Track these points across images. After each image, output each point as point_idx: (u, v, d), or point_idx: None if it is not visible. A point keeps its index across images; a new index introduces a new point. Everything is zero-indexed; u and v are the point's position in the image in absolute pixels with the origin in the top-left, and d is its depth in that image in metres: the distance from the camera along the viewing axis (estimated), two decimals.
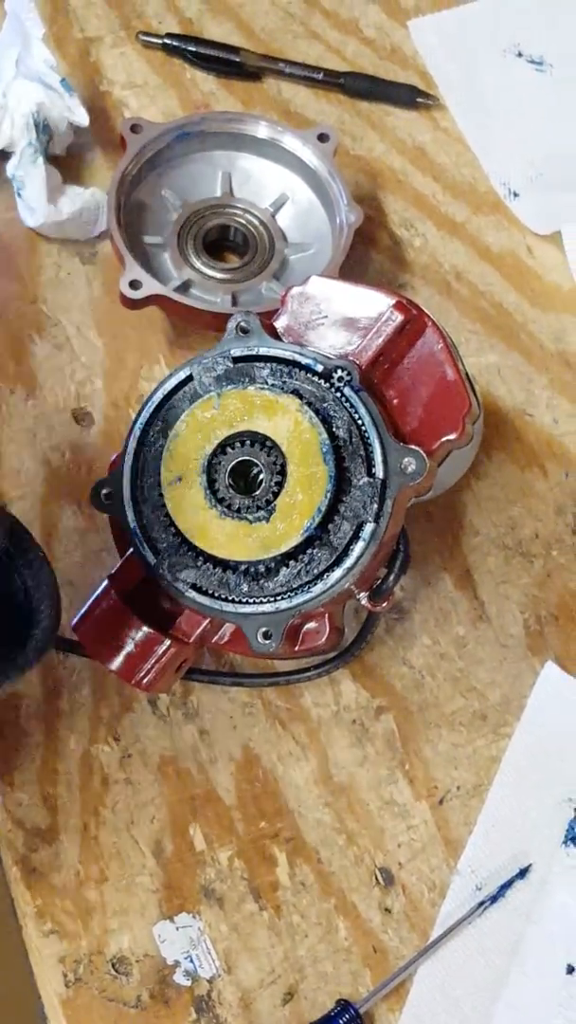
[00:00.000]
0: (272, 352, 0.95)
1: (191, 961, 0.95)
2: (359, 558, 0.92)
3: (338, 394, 0.93)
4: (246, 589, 0.92)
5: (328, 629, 0.94)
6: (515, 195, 1.27)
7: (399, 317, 0.95)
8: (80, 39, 1.33)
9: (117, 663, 0.94)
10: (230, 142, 1.23)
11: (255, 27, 1.36)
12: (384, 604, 0.96)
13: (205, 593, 0.93)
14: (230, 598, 0.93)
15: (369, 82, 1.33)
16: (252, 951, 0.96)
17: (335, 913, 0.97)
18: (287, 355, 0.95)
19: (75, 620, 0.96)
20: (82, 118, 1.22)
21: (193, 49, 1.32)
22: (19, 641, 0.87)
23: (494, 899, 0.98)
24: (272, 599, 0.92)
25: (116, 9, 1.35)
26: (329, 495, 0.91)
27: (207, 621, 0.94)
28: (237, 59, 1.32)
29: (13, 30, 1.23)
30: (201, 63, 1.32)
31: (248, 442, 0.94)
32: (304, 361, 0.94)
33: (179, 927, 0.96)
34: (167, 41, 1.32)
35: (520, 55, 1.36)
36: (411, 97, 1.32)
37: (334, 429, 0.93)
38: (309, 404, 0.93)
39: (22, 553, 0.90)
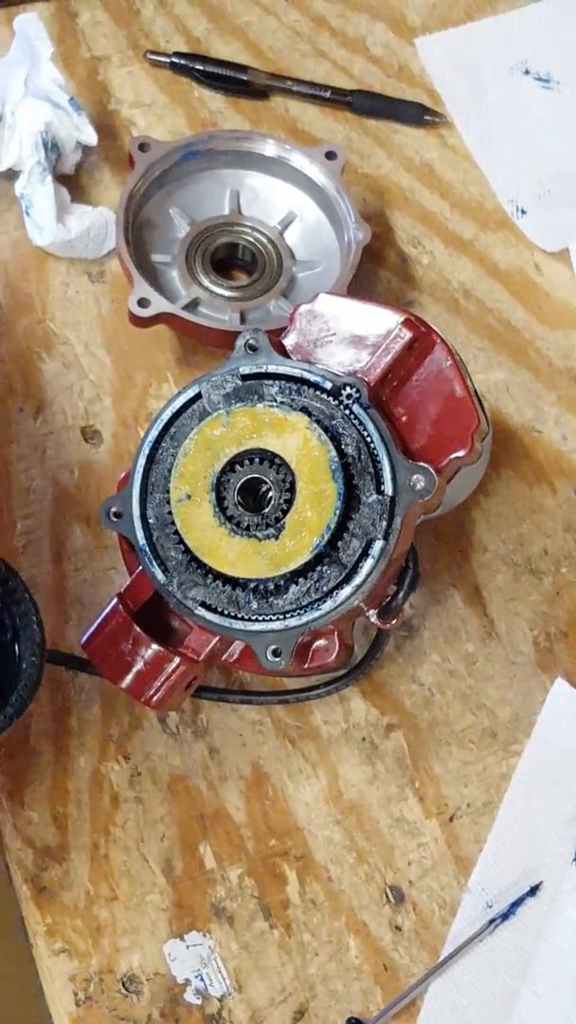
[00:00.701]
0: (281, 370, 0.95)
1: (201, 980, 0.95)
2: (368, 575, 0.92)
3: (347, 411, 0.93)
4: (255, 607, 0.92)
5: (338, 646, 0.94)
6: (523, 212, 1.27)
7: (408, 334, 0.95)
8: (88, 58, 1.33)
9: (127, 681, 0.94)
10: (238, 160, 1.24)
11: (262, 46, 1.36)
12: (393, 621, 0.95)
13: (214, 611, 0.93)
14: (239, 616, 0.93)
15: (376, 100, 1.33)
16: (262, 970, 0.96)
17: (345, 931, 0.97)
18: (296, 373, 0.95)
19: (84, 638, 0.96)
20: (90, 137, 1.22)
21: (201, 68, 1.32)
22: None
23: (505, 917, 0.98)
24: (281, 616, 0.92)
25: (124, 28, 1.36)
26: (338, 512, 0.91)
27: (216, 639, 0.94)
28: (245, 77, 1.32)
29: (22, 49, 1.23)
30: (209, 82, 1.33)
31: (257, 460, 0.94)
32: (313, 378, 0.94)
33: (189, 945, 0.96)
34: (175, 60, 1.33)
35: (527, 72, 1.36)
36: (418, 115, 1.32)
37: (343, 446, 0.92)
38: (318, 421, 0.93)
39: (13, 602, 0.90)
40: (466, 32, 1.39)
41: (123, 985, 0.95)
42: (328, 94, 1.32)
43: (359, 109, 1.33)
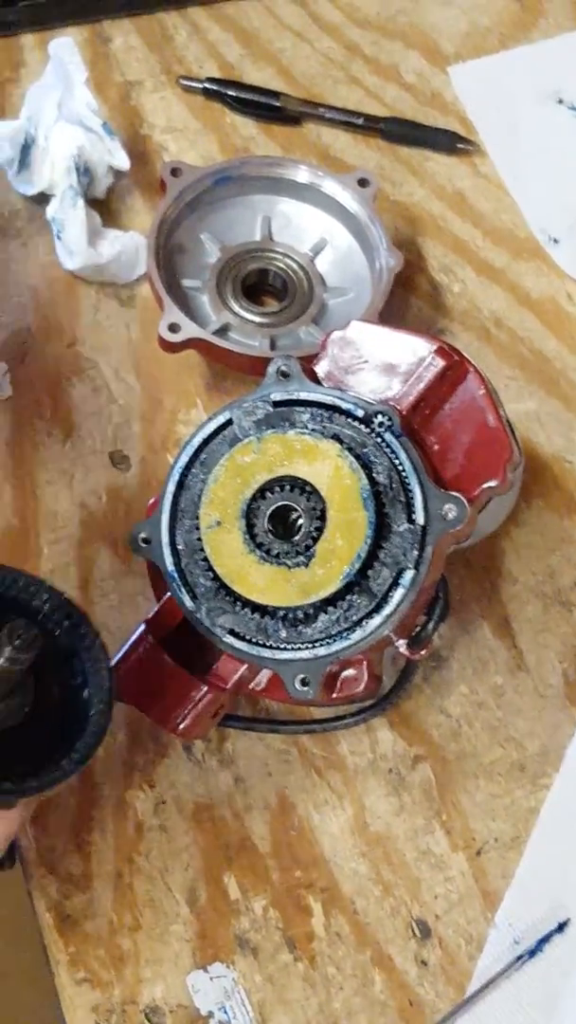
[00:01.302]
0: (313, 397, 0.95)
1: (225, 1012, 0.94)
2: (399, 605, 0.91)
3: (379, 439, 0.93)
4: (284, 635, 0.92)
5: (366, 676, 0.94)
6: (555, 241, 1.27)
7: (440, 362, 0.95)
8: (121, 83, 1.34)
9: (153, 709, 0.94)
10: (270, 186, 1.23)
11: (295, 72, 1.36)
12: (422, 652, 0.95)
13: (243, 639, 0.92)
14: (268, 644, 0.92)
15: (409, 127, 1.33)
16: (287, 1003, 0.95)
17: (371, 965, 0.96)
18: (328, 400, 0.94)
19: (111, 665, 0.95)
20: (123, 161, 1.22)
21: (233, 94, 1.32)
22: (66, 739, 0.85)
23: (532, 953, 0.97)
24: (310, 645, 0.91)
25: (157, 54, 1.36)
26: (369, 541, 0.90)
27: (244, 667, 0.94)
28: (277, 104, 1.32)
29: (56, 74, 1.23)
30: (241, 108, 1.32)
31: (288, 487, 0.93)
32: (345, 406, 0.94)
33: (213, 977, 0.95)
34: (207, 85, 1.33)
35: (560, 101, 1.36)
36: (451, 143, 1.32)
37: (374, 474, 0.92)
38: (349, 449, 0.92)
39: (84, 648, 0.89)
40: (499, 61, 1.39)
41: (146, 1016, 0.94)
42: (361, 121, 1.32)
43: (391, 136, 1.32)
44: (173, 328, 1.12)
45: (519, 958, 0.96)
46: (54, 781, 0.82)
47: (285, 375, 0.96)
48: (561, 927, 0.97)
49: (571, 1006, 0.95)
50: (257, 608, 0.92)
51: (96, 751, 0.84)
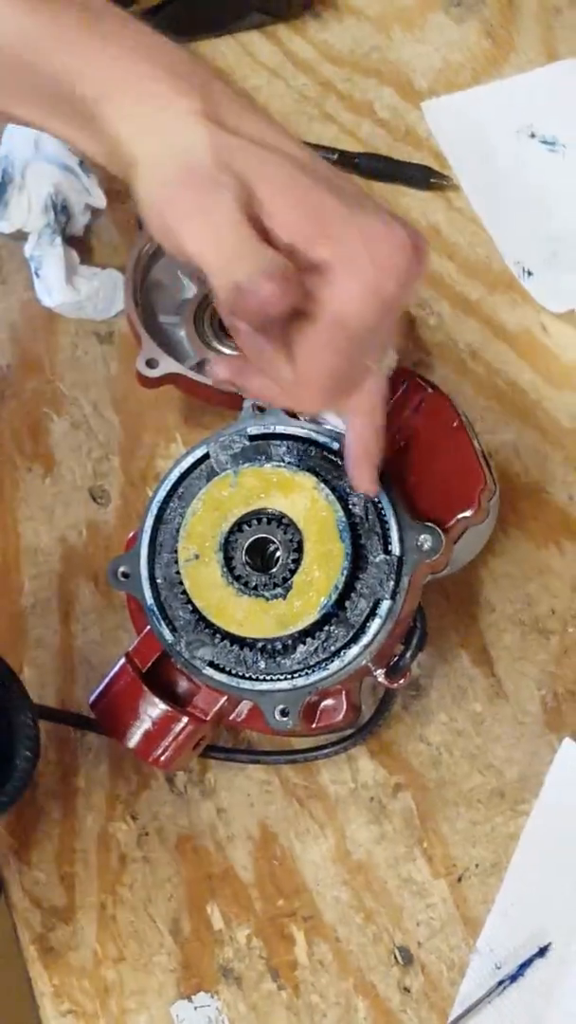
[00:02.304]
0: (288, 430, 0.96)
1: None
2: (376, 635, 0.92)
3: None
4: (263, 666, 0.93)
5: (345, 706, 0.95)
6: (529, 274, 1.28)
7: (415, 395, 0.96)
8: None
9: (134, 741, 0.94)
10: None
11: (271, 109, 1.36)
12: (401, 681, 0.96)
13: (222, 670, 0.93)
14: (247, 675, 0.93)
15: (384, 163, 1.34)
16: None
17: (354, 993, 0.97)
18: (303, 433, 0.95)
19: (92, 698, 0.96)
20: (99, 199, 1.24)
21: None
22: None
23: (514, 978, 0.97)
24: (289, 676, 0.92)
25: None
26: (346, 572, 0.91)
27: (224, 698, 0.95)
28: None
29: None
30: None
31: (265, 520, 0.94)
32: (320, 439, 0.95)
33: (197, 1007, 0.96)
34: None
35: (533, 136, 1.37)
36: (425, 177, 1.33)
37: (350, 506, 0.93)
38: (326, 482, 0.93)
39: (11, 703, 0.91)
40: (472, 96, 1.40)
41: None
42: (336, 157, 1.33)
43: (366, 172, 1.33)
44: (151, 364, 1.13)
45: (501, 983, 0.97)
46: None
47: (261, 409, 0.97)
48: (542, 951, 0.98)
49: None
50: (236, 640, 0.93)
51: (21, 797, 0.87)
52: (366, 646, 0.92)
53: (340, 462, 0.94)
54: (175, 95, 0.79)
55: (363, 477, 0.92)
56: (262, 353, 0.83)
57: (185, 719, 0.94)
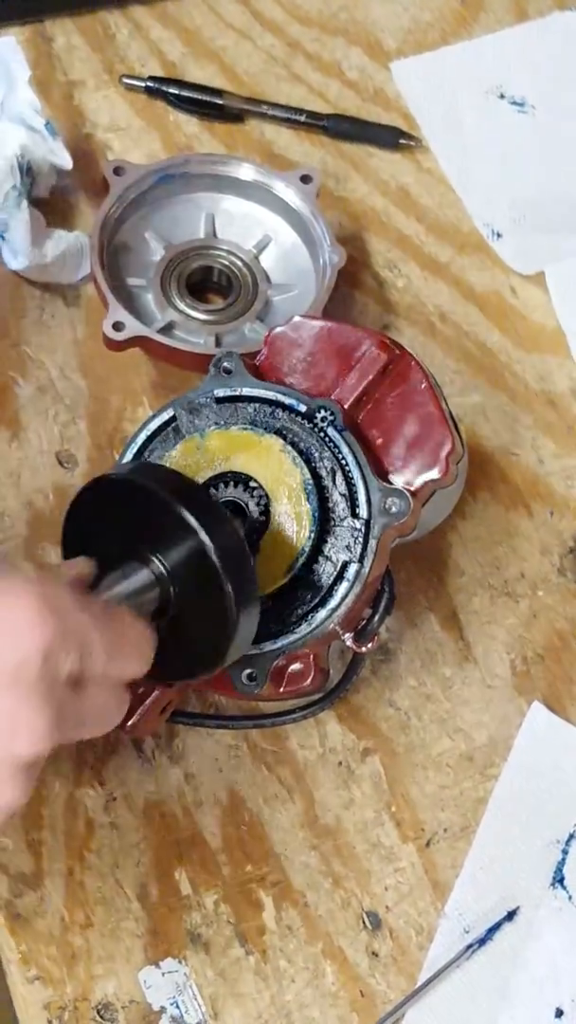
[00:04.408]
0: (255, 392, 0.95)
1: (177, 1007, 0.94)
2: (343, 599, 0.91)
3: (321, 434, 0.93)
4: None
5: (313, 670, 0.94)
6: (498, 236, 1.27)
7: (382, 356, 0.96)
8: (64, 82, 1.33)
9: None
10: (213, 184, 1.23)
11: (238, 70, 1.36)
12: (369, 645, 0.95)
13: None
14: None
15: (352, 124, 1.33)
16: (239, 996, 0.95)
17: (322, 957, 0.97)
18: (270, 395, 0.95)
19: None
20: (66, 161, 1.22)
21: (176, 92, 1.32)
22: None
23: (482, 942, 0.97)
24: (256, 640, 0.91)
25: (99, 53, 1.36)
26: (313, 536, 0.91)
27: None
28: (220, 101, 1.32)
29: None
30: (184, 106, 1.32)
31: (232, 482, 0.93)
32: (287, 401, 0.94)
33: (165, 972, 0.95)
34: (150, 84, 1.33)
35: (502, 97, 1.36)
36: (394, 139, 1.32)
37: (317, 469, 0.92)
38: (292, 444, 0.93)
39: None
40: (441, 56, 1.39)
41: (98, 1013, 0.94)
42: (304, 118, 1.32)
43: (335, 133, 1.33)
44: (117, 327, 1.12)
45: (469, 947, 0.97)
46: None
47: (228, 371, 0.96)
48: (510, 915, 0.98)
49: (520, 994, 0.96)
50: None
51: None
52: (333, 610, 0.91)
53: (307, 424, 0.93)
54: None
55: None
56: None
57: (153, 684, 0.93)
